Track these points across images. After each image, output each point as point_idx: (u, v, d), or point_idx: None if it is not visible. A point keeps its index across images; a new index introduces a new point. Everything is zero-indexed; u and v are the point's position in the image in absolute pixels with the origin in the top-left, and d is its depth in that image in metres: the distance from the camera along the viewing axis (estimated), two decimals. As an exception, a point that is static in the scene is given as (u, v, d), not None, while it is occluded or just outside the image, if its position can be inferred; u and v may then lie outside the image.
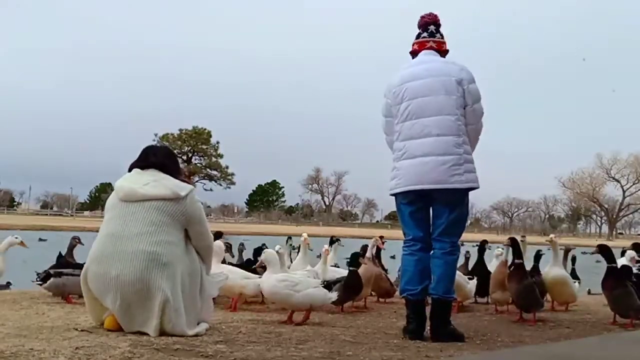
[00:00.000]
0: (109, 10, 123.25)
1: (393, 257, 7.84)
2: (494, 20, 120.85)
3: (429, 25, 4.15)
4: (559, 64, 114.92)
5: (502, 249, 5.62)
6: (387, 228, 78.03)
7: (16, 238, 5.60)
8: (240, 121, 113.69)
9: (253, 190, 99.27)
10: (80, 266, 4.08)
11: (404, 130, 3.93)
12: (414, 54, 4.18)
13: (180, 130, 74.03)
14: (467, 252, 6.61)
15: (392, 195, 4.05)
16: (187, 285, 3.55)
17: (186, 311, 3.52)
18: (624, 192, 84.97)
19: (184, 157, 70.66)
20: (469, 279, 5.72)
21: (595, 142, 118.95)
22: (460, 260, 5.82)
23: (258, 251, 6.00)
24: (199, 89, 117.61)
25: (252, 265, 5.50)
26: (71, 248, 5.85)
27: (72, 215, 76.05)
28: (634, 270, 5.52)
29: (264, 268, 4.37)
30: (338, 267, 6.17)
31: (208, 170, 74.50)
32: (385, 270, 6.16)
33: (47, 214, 79.34)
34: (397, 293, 4.90)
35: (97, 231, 3.70)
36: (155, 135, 71.18)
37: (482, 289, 5.72)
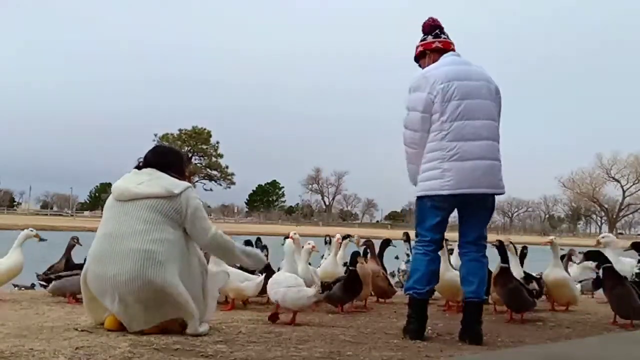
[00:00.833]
0: (109, 10, 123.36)
1: (397, 257, 7.82)
2: (493, 19, 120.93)
3: (435, 28, 4.13)
4: (558, 63, 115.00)
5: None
6: (387, 228, 78.08)
7: (31, 231, 5.65)
8: (240, 121, 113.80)
9: (253, 190, 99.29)
10: (81, 266, 4.08)
11: (454, 130, 3.81)
12: (429, 55, 4.10)
13: (180, 130, 74.16)
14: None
15: (429, 196, 3.87)
16: (186, 284, 3.53)
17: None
18: (624, 192, 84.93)
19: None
20: None
21: (595, 142, 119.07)
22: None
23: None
24: (199, 89, 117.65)
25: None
26: (69, 248, 5.86)
27: (72, 215, 76.02)
28: (636, 270, 5.52)
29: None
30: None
31: (208, 170, 74.58)
32: (385, 270, 6.16)
33: (47, 214, 79.30)
34: (402, 292, 4.91)
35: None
36: (155, 135, 71.35)
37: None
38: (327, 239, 7.03)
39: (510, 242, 5.70)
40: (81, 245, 5.69)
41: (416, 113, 3.90)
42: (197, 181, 70.59)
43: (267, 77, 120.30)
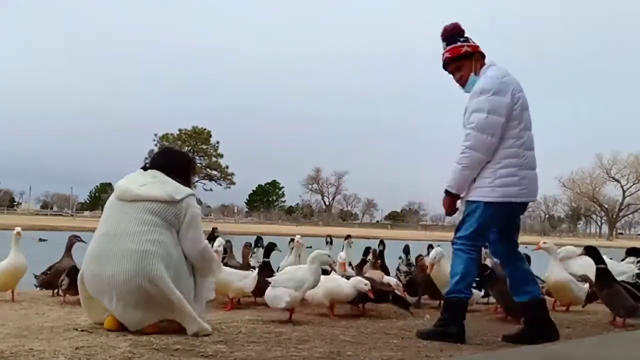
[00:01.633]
0: (109, 10, 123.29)
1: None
2: (493, 19, 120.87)
3: (461, 34, 4.08)
4: (558, 63, 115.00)
5: None
6: (387, 228, 78.07)
7: (18, 231, 5.69)
8: (240, 121, 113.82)
9: (253, 190, 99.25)
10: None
11: (527, 139, 3.88)
12: (462, 58, 4.02)
13: (180, 130, 74.06)
14: None
15: (501, 202, 3.83)
16: (180, 285, 3.51)
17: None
18: (624, 192, 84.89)
19: (184, 157, 70.58)
20: None
21: (595, 142, 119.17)
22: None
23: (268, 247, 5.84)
24: (199, 89, 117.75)
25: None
26: (69, 247, 5.86)
27: (72, 215, 76.01)
28: (636, 270, 5.53)
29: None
30: (351, 265, 6.10)
31: (208, 170, 74.48)
32: (388, 273, 6.14)
33: (47, 214, 79.31)
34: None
35: (96, 231, 3.71)
36: (155, 135, 71.26)
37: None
38: (328, 239, 7.02)
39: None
40: (84, 242, 5.68)
41: (498, 118, 3.79)
42: (197, 181, 70.56)
43: (267, 77, 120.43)
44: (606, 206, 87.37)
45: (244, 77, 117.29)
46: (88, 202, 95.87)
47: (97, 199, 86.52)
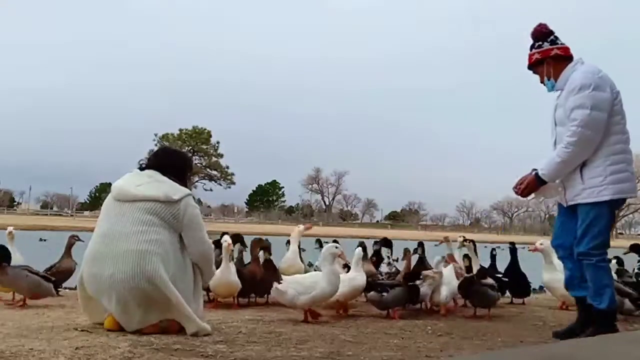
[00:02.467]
0: (109, 10, 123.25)
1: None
2: (495, 19, 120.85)
3: (548, 35, 4.13)
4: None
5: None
6: (387, 228, 78.04)
7: (9, 231, 5.73)
8: (240, 121, 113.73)
9: (253, 190, 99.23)
10: None
11: (629, 135, 3.94)
12: (549, 62, 4.09)
13: (180, 130, 74.07)
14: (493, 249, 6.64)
15: (615, 200, 3.84)
16: (178, 285, 3.52)
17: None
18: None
19: (184, 157, 70.60)
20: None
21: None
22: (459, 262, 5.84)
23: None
24: (199, 89, 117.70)
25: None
26: (69, 246, 5.86)
27: (72, 215, 75.99)
28: (636, 269, 5.54)
29: None
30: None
31: (208, 170, 74.48)
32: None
33: (47, 214, 79.27)
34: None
35: (96, 231, 3.71)
36: (155, 135, 71.29)
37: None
38: (317, 244, 7.06)
39: (470, 241, 5.73)
40: (83, 241, 5.68)
41: (601, 114, 3.81)
42: (197, 181, 70.56)
43: (267, 77, 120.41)
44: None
45: (244, 77, 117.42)
46: (88, 202, 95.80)
47: (97, 199, 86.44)
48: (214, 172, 74.67)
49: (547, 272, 5.66)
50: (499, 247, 7.41)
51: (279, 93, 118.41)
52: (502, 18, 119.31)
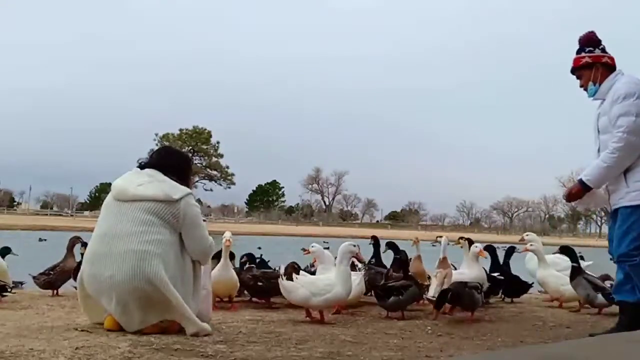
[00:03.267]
0: (110, 11, 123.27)
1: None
2: (495, 21, 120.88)
3: (599, 42, 4.24)
4: (559, 63, 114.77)
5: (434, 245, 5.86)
6: (387, 228, 78.04)
7: None
8: (240, 121, 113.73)
9: (253, 190, 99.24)
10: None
11: None
12: (598, 67, 4.20)
13: (180, 130, 74.11)
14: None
15: None
16: (178, 286, 3.52)
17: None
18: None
19: (184, 157, 70.66)
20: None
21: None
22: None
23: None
24: (199, 89, 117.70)
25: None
26: (71, 247, 5.85)
27: (72, 215, 76.00)
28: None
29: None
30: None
31: (208, 170, 74.50)
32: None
33: (47, 214, 79.30)
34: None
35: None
36: (156, 135, 71.32)
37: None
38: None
39: (466, 239, 5.77)
40: (86, 243, 5.69)
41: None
42: (197, 181, 70.54)
43: (267, 77, 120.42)
44: (606, 206, 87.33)
45: (244, 77, 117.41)
46: (88, 202, 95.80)
47: (97, 199, 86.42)
48: (214, 172, 74.70)
49: (542, 268, 5.82)
50: (498, 247, 7.42)
51: (279, 93, 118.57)
52: (502, 18, 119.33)
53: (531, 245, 5.95)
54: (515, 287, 6.12)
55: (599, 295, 5.25)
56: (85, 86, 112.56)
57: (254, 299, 5.37)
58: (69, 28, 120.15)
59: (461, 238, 5.80)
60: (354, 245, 4.42)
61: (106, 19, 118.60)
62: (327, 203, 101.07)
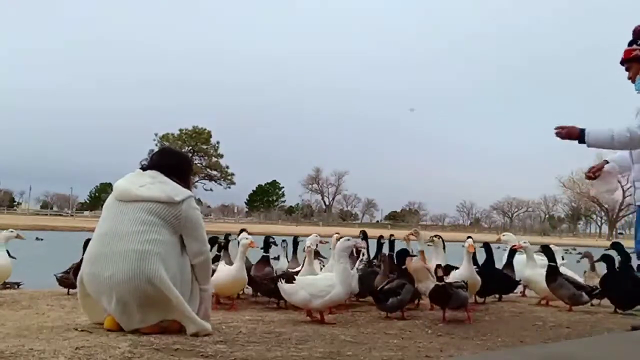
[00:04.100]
0: (110, 10, 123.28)
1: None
2: (495, 21, 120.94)
3: None
4: (559, 63, 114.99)
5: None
6: (387, 228, 78.02)
7: (11, 232, 5.71)
8: (240, 121, 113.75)
9: (253, 190, 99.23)
10: None
11: None
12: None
13: (180, 130, 74.21)
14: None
15: None
16: (178, 286, 3.51)
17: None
18: (623, 192, 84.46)
19: (184, 157, 70.71)
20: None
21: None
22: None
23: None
24: (199, 88, 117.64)
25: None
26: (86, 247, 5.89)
27: (72, 215, 76.03)
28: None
29: None
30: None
31: (208, 170, 74.56)
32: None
33: (47, 214, 79.30)
34: None
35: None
36: (156, 135, 71.39)
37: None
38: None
39: (439, 237, 5.83)
40: None
41: None
42: (197, 181, 70.58)
43: (267, 77, 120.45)
44: (606, 206, 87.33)
45: (244, 77, 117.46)
46: (88, 202, 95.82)
47: (97, 199, 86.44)
48: (214, 172, 74.80)
49: (529, 268, 5.84)
50: (498, 247, 7.43)
51: (279, 93, 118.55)
52: (502, 18, 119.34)
53: (525, 242, 6.01)
54: (499, 285, 6.05)
55: (583, 294, 5.38)
56: (85, 86, 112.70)
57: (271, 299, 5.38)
58: (69, 28, 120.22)
59: (435, 236, 5.89)
60: (348, 239, 4.44)
61: (106, 20, 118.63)
62: (327, 203, 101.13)
